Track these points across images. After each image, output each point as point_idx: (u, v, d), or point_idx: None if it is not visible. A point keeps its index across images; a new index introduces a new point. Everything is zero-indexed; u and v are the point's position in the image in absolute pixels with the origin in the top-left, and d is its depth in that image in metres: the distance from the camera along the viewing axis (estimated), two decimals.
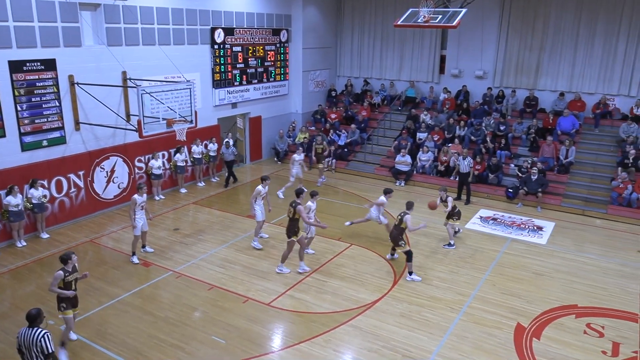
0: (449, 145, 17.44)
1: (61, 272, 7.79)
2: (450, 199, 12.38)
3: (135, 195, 10.99)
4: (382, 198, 12.23)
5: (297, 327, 8.91)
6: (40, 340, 6.13)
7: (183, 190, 16.04)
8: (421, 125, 18.75)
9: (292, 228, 10.55)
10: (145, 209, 11.23)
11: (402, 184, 17.25)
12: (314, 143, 17.45)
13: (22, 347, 6.26)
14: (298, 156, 15.65)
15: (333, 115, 20.60)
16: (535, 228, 13.59)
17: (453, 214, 12.35)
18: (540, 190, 15.00)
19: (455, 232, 12.75)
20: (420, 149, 17.62)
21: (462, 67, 19.78)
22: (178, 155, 15.75)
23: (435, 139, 18.06)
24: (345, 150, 19.18)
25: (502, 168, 16.42)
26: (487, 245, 12.42)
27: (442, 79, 20.46)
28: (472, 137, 17.82)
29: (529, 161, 15.96)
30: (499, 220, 14.10)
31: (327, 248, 12.07)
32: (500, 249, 12.25)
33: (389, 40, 21.02)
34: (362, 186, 17.01)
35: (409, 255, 10.66)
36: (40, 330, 6.21)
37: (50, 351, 6.19)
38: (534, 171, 15.19)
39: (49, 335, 6.20)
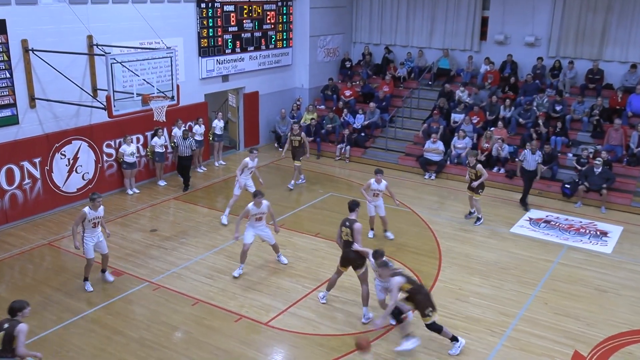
0: (492, 129, 17.36)
1: (26, 326, 7.29)
2: (479, 166, 13.43)
3: (86, 208, 10.23)
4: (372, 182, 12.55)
5: (301, 351, 8.94)
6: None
7: (162, 183, 16.13)
8: (457, 104, 18.66)
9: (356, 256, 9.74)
10: (101, 224, 10.59)
11: (433, 177, 17.21)
12: (289, 134, 16.27)
13: None
14: (251, 162, 13.54)
15: (347, 92, 20.57)
16: (598, 233, 13.52)
17: (479, 188, 13.42)
18: (605, 186, 14.90)
19: (471, 213, 14.06)
20: (456, 134, 17.55)
21: (508, 32, 19.62)
22: (156, 139, 15.79)
23: (475, 121, 17.98)
24: (362, 134, 19.15)
25: (557, 158, 16.32)
26: (537, 254, 12.37)
27: (483, 46, 20.33)
28: (521, 120, 17.72)
29: (591, 150, 15.84)
30: (552, 223, 14.03)
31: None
32: (554, 258, 12.19)
33: None
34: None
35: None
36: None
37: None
38: (598, 162, 15.08)
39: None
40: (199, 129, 16.98)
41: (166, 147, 16.22)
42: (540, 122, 17.20)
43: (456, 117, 18.33)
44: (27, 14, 12.89)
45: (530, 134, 16.95)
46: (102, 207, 10.45)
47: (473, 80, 19.79)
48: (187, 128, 16.33)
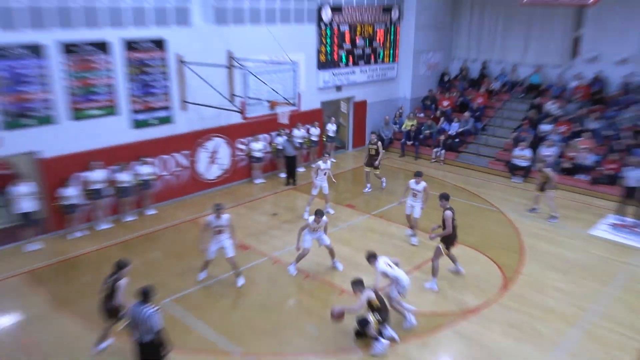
0: (578, 139, 16.57)
1: (126, 280, 7.91)
2: (549, 170, 13.45)
3: (210, 217, 9.90)
4: (411, 183, 12.10)
5: (393, 326, 9.11)
6: (148, 318, 6.91)
7: (283, 175, 16.78)
8: (545, 115, 17.96)
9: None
10: (231, 231, 10.13)
11: (520, 181, 16.72)
12: (368, 144, 15.61)
13: (132, 323, 7.13)
14: (324, 164, 13.45)
15: (445, 102, 20.35)
16: None
17: (550, 186, 13.42)
18: None
19: (534, 209, 13.95)
20: (543, 143, 16.90)
21: (600, 50, 18.56)
22: (279, 138, 16.46)
23: (561, 130, 17.23)
24: (456, 140, 18.91)
25: None
26: (616, 256, 11.78)
27: (574, 63, 19.37)
28: (607, 132, 16.75)
29: None
30: (634, 229, 13.24)
31: (430, 245, 12.11)
32: (632, 261, 11.56)
33: (513, 20, 20.26)
34: (473, 181, 16.74)
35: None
36: (146, 307, 6.97)
37: (159, 328, 6.96)
38: None
39: (157, 314, 6.98)
40: (314, 131, 17.49)
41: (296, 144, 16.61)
42: (625, 134, 16.19)
43: (544, 127, 17.63)
44: (182, 34, 13.81)
45: (615, 145, 16.03)
46: (226, 216, 9.90)
47: (562, 94, 18.91)
48: (289, 132, 16.51)
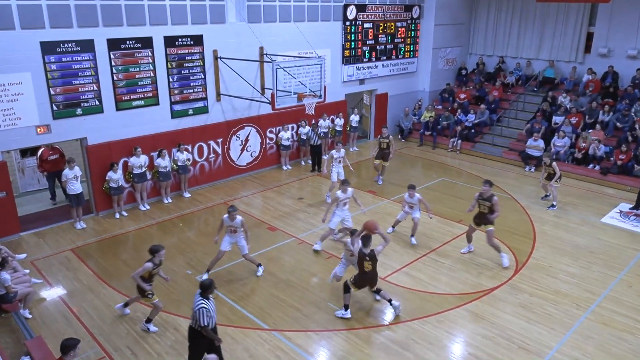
0: (589, 130, 15.92)
1: (150, 264, 7.81)
2: (554, 164, 12.80)
3: (225, 216, 9.24)
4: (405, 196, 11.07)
5: (411, 304, 8.92)
6: (196, 312, 6.58)
7: (309, 162, 16.51)
8: (558, 107, 17.30)
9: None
10: (244, 230, 9.46)
11: (532, 170, 16.17)
12: (379, 138, 14.59)
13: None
14: (337, 153, 13.09)
15: (462, 95, 19.80)
16: None
17: (556, 178, 12.88)
18: None
19: (546, 196, 13.50)
20: (556, 134, 16.31)
21: (612, 45, 17.76)
22: (301, 128, 16.16)
23: (573, 122, 16.57)
24: (472, 131, 18.39)
25: None
26: (625, 243, 11.28)
27: (586, 58, 18.57)
28: (618, 124, 16.07)
29: None
30: None
31: (446, 230, 11.82)
32: None
33: (529, 16, 19.51)
34: (487, 169, 16.26)
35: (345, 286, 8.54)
36: (200, 301, 6.58)
37: (203, 324, 6.56)
38: None
39: (204, 311, 6.56)
40: (338, 122, 17.22)
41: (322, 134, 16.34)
42: (637, 126, 15.48)
43: (557, 119, 17.00)
44: (217, 30, 13.66)
45: (626, 136, 15.35)
46: (239, 218, 9.22)
47: (575, 88, 18.19)
48: (315, 123, 16.17)
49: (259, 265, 9.91)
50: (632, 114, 15.99)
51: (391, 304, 8.50)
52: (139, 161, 12.55)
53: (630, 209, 13.04)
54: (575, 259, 10.52)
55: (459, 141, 18.20)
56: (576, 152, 15.73)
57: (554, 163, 12.90)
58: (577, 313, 8.66)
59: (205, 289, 6.66)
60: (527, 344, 7.88)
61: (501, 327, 8.28)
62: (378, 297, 8.71)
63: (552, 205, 13.10)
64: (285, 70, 12.58)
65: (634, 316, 8.58)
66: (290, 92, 12.84)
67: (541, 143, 16.13)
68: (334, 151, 13.12)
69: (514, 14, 19.90)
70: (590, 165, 15.35)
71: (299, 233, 11.59)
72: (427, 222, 12.18)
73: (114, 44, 11.93)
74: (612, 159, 15.08)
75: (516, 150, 17.00)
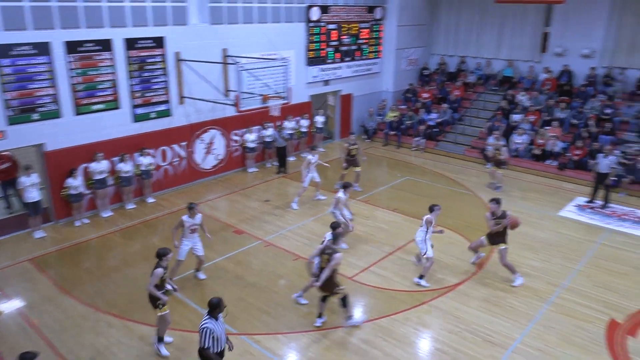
0: (547, 127, 16.40)
1: (161, 270, 7.22)
2: (505, 149, 14.19)
3: (184, 217, 9.07)
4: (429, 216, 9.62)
5: (378, 302, 8.99)
6: (200, 331, 6.07)
7: (275, 164, 16.44)
8: (516, 106, 17.76)
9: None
10: (203, 229, 9.41)
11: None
12: (348, 145, 13.84)
13: None
14: (313, 158, 13.08)
15: (425, 94, 20.10)
16: (638, 220, 12.51)
17: (502, 162, 14.29)
18: None
19: (498, 187, 14.39)
20: (515, 131, 16.73)
21: (566, 45, 18.35)
22: (264, 131, 15.98)
23: (532, 119, 17.04)
24: (436, 130, 18.69)
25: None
26: (582, 235, 11.67)
27: (543, 57, 19.14)
28: (573, 120, 16.61)
29: (637, 148, 14.61)
30: (597, 209, 13.12)
31: (411, 228, 11.95)
32: (597, 240, 11.45)
33: (488, 17, 19.98)
34: (451, 167, 16.55)
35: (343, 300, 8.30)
36: (206, 320, 6.08)
37: (203, 346, 6.03)
38: None
39: (207, 332, 6.05)
40: (304, 123, 17.21)
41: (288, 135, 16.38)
42: (590, 122, 16.05)
43: (515, 117, 17.45)
44: (180, 32, 13.45)
45: (580, 132, 15.89)
46: (199, 215, 9.19)
47: (533, 86, 18.71)
48: (281, 124, 16.04)
49: (200, 270, 9.69)
50: (587, 111, 16.56)
51: (349, 318, 8.28)
52: (100, 167, 12.24)
53: (586, 202, 13.49)
54: (536, 252, 10.81)
55: (423, 140, 18.46)
56: (535, 149, 16.17)
57: (505, 149, 14.41)
58: (539, 305, 8.89)
59: (213, 308, 6.10)
60: (491, 336, 8.05)
61: (466, 321, 8.43)
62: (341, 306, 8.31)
63: (499, 187, 14.33)
64: (249, 72, 12.52)
65: (593, 306, 8.88)
66: (255, 94, 12.80)
67: (502, 141, 16.48)
68: (310, 155, 13.07)
69: (474, 14, 20.34)
70: (548, 161, 15.81)
71: (266, 235, 11.52)
72: (393, 220, 12.31)
73: (71, 47, 11.60)
74: (568, 154, 15.57)
75: (477, 148, 17.36)
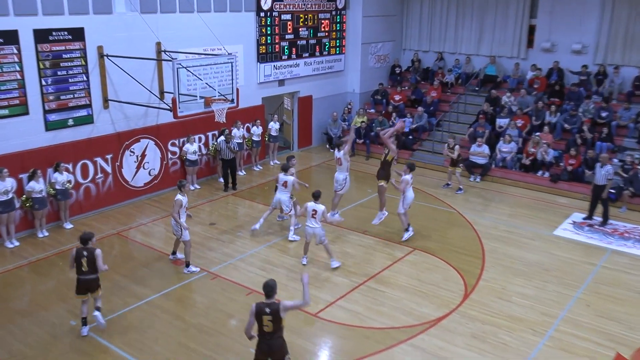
0: (537, 134, 16.89)
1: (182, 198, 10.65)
2: (457, 147, 15.79)
3: (179, 196, 10.86)
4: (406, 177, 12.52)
5: (348, 342, 8.92)
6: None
7: (221, 180, 16.32)
8: (502, 109, 18.25)
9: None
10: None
11: (478, 180, 16.87)
12: (290, 162, 13.06)
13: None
14: (284, 176, 12.52)
15: (397, 96, 20.41)
16: None
17: (458, 161, 15.90)
18: None
19: (447, 185, 16.21)
20: (501, 138, 17.16)
21: (555, 39, 19.05)
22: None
23: (519, 125, 17.52)
24: (410, 137, 18.95)
25: None
26: (580, 257, 11.98)
27: (530, 53, 19.80)
28: (566, 125, 17.18)
29: (637, 156, 15.21)
30: (596, 227, 13.53)
31: (385, 252, 11.99)
32: (597, 262, 11.77)
33: (467, 7, 20.56)
34: (428, 180, 16.77)
35: None
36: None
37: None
38: None
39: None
40: (256, 130, 17.12)
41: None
42: (585, 127, 16.63)
43: (501, 121, 17.91)
44: (103, 22, 13.25)
45: (575, 139, 16.43)
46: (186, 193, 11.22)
47: (519, 86, 19.29)
48: (229, 132, 15.72)
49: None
50: (580, 114, 17.17)
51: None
52: (4, 186, 11.78)
53: (583, 219, 13.90)
54: (528, 278, 11.01)
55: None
56: (524, 158, 16.60)
57: (457, 146, 15.83)
58: (534, 340, 9.02)
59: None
60: None
61: None
62: None
63: (460, 189, 15.80)
64: (188, 70, 12.41)
65: (595, 339, 9.07)
66: (196, 96, 12.67)
67: (486, 149, 16.89)
68: (281, 174, 12.57)
69: (450, 4, 20.89)
70: (539, 172, 16.25)
71: (211, 266, 11.32)
72: (362, 245, 12.32)
73: None
74: (561, 164, 16.06)
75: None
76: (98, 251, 8.68)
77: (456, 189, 15.80)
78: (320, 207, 10.98)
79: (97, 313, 8.78)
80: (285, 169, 12.60)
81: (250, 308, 7.01)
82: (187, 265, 11.05)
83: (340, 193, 13.14)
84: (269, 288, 6.97)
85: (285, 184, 12.44)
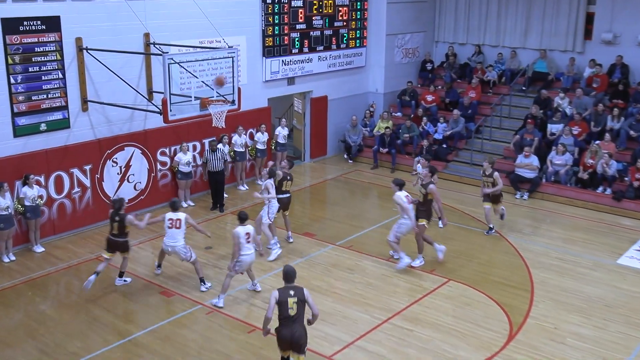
0: (597, 142, 16.79)
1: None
2: (497, 175, 13.87)
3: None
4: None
5: None
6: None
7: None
8: (554, 113, 18.19)
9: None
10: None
11: (525, 197, 16.79)
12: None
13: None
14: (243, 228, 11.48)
15: (429, 97, 20.43)
16: None
17: (497, 198, 14.17)
18: None
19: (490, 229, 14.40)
20: (553, 148, 17.08)
21: (618, 30, 18.97)
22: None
23: (575, 132, 17.44)
24: (444, 146, 18.95)
25: None
26: None
27: (587, 46, 19.74)
28: (632, 132, 17.07)
29: None
30: None
31: (415, 284, 11.94)
32: None
33: None
34: (466, 198, 16.72)
35: None
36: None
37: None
38: None
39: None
40: (260, 137, 17.20)
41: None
42: None
43: (553, 128, 17.84)
44: (82, 10, 13.43)
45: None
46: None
47: (575, 85, 19.22)
48: (215, 139, 15.80)
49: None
50: None
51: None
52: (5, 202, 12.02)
53: None
54: (586, 316, 10.89)
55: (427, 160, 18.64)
56: (581, 172, 16.48)
57: (496, 173, 14.04)
58: None
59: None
60: None
61: None
62: None
63: (490, 229, 14.27)
64: (182, 67, 12.53)
65: None
66: (190, 97, 12.76)
67: (535, 161, 16.81)
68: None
69: None
70: (600, 189, 16.13)
71: (206, 298, 11.35)
72: (386, 274, 12.28)
73: None
74: (626, 179, 15.92)
75: (503, 172, 17.53)
76: (129, 217, 11.19)
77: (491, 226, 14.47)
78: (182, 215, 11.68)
79: (119, 280, 11.68)
80: (242, 219, 11.11)
81: (272, 293, 8.00)
82: (202, 281, 11.73)
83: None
84: (292, 272, 8.13)
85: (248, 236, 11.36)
